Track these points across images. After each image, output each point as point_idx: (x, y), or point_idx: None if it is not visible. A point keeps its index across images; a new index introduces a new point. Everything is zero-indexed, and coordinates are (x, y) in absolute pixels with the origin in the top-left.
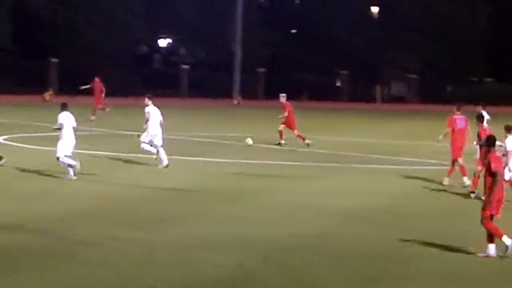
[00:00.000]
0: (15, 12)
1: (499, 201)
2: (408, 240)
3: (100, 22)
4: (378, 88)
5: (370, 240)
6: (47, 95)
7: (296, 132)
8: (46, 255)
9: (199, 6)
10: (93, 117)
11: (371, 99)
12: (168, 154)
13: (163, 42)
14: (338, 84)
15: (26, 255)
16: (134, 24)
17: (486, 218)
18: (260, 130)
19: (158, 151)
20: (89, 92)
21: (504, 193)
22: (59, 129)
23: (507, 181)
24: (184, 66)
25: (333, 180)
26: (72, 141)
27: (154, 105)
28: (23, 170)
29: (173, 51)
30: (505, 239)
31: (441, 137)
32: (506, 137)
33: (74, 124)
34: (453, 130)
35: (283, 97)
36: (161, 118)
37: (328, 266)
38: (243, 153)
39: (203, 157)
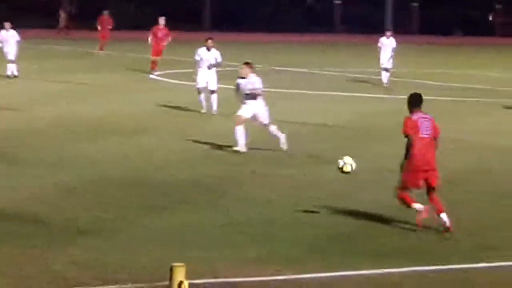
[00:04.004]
0: None
1: None
2: None
3: None
4: None
5: None
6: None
7: None
8: (193, 191)
9: None
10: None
11: None
12: (325, 90)
13: None
14: (490, 18)
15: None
16: None
17: None
18: (414, 65)
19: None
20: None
21: None
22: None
23: None
24: (337, 1)
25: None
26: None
27: None
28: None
29: None
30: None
31: None
32: None
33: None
34: None
35: None
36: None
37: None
38: (396, 90)
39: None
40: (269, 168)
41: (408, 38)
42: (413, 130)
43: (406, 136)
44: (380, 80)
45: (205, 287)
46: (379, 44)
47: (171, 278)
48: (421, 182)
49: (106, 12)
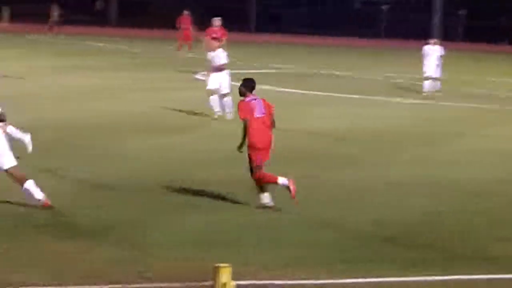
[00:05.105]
0: None
1: None
2: None
3: None
4: None
5: None
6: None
7: None
8: (233, 191)
9: None
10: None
11: None
12: (358, 94)
13: None
14: None
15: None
16: None
17: None
18: (455, 71)
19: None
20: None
21: None
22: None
23: None
24: (384, 6)
25: None
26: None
27: None
28: None
29: None
30: (280, 180)
31: None
32: None
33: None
34: None
35: None
36: None
37: None
38: (436, 97)
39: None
40: (306, 170)
41: (454, 45)
42: (249, 112)
43: (243, 119)
44: (423, 87)
45: None
46: (422, 52)
47: (215, 279)
48: (268, 154)
49: (186, 12)
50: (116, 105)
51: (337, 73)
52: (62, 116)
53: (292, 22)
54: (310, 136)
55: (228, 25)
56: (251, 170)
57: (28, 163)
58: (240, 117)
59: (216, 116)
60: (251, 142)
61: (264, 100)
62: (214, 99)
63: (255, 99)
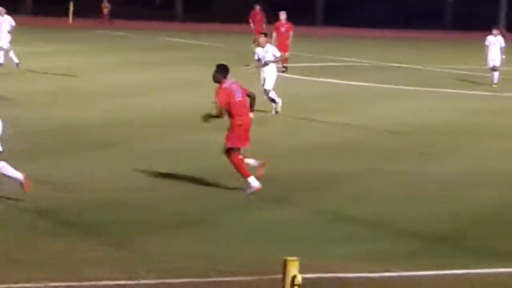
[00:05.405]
0: None
1: None
2: None
3: None
4: None
5: None
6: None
7: None
8: (305, 185)
9: None
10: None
11: None
12: (428, 86)
13: None
14: None
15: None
16: None
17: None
18: None
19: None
20: None
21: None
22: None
23: None
24: None
25: None
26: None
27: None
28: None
29: None
30: (251, 180)
31: None
32: None
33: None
34: None
35: None
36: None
37: None
38: (504, 88)
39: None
40: (382, 163)
41: None
42: (231, 97)
43: (223, 106)
44: (491, 78)
45: (318, 282)
46: (486, 43)
47: (284, 272)
48: (248, 141)
49: (258, 7)
50: (185, 99)
51: (406, 66)
52: (132, 111)
53: (358, 15)
54: (383, 130)
55: (294, 18)
56: (227, 153)
57: (102, 160)
58: (220, 103)
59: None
60: (235, 125)
61: (239, 84)
62: (273, 94)
63: (233, 83)
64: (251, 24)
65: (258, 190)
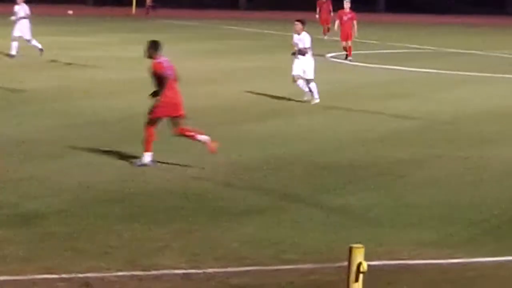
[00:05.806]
0: None
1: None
2: None
3: None
4: None
5: None
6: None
7: None
8: (370, 172)
9: None
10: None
11: None
12: (470, 71)
13: None
14: None
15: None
16: None
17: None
18: None
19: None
20: None
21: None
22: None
23: None
24: None
25: None
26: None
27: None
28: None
29: None
30: (147, 155)
31: None
32: None
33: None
34: None
35: None
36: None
37: None
38: None
39: None
40: (446, 150)
41: None
42: (162, 70)
43: (161, 76)
44: None
45: (383, 269)
46: None
47: (350, 259)
48: (172, 112)
49: None
50: (241, 89)
51: (467, 51)
52: (210, 98)
53: (419, 2)
54: (452, 116)
55: (358, 6)
56: (148, 122)
57: (170, 148)
58: (161, 74)
59: (306, 98)
60: (167, 98)
61: (170, 61)
62: (301, 84)
63: (166, 60)
64: (317, 13)
65: (151, 163)
